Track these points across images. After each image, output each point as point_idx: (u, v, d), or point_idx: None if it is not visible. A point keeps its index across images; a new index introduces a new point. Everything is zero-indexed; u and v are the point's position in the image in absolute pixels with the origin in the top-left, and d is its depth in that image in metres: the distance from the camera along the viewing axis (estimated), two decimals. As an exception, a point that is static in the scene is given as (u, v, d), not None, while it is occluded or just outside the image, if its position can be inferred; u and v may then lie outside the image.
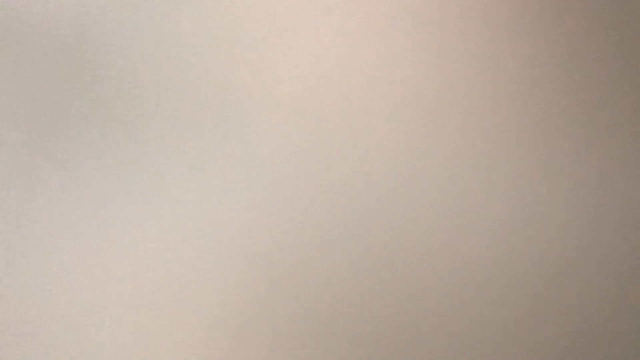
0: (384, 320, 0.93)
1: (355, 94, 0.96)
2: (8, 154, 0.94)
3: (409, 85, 0.97)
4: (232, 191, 0.95)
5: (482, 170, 0.96)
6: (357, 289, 0.94)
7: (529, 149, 0.96)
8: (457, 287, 0.94)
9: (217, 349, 0.93)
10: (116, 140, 0.95)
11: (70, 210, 0.94)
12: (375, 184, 0.95)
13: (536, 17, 0.98)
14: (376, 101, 0.96)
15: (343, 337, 0.93)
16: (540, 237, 0.95)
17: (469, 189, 0.95)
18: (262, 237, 0.94)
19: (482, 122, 0.96)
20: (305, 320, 0.93)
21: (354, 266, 0.94)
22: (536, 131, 0.96)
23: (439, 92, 0.97)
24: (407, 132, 0.96)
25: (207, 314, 0.93)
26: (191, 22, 0.97)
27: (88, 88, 0.96)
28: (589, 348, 0.93)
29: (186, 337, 0.93)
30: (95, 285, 0.93)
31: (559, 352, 0.93)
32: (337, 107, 0.96)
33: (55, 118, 0.95)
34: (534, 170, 0.96)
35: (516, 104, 0.97)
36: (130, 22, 0.97)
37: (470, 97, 0.97)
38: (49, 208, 0.94)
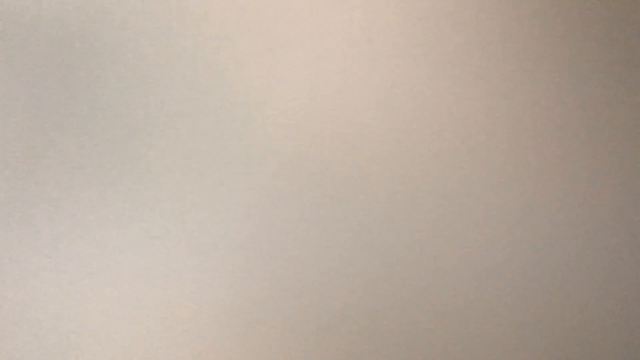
0: (383, 318, 0.94)
1: (356, 95, 0.97)
2: (8, 153, 0.95)
3: (409, 87, 0.97)
4: (232, 191, 0.95)
5: (482, 170, 0.96)
6: (357, 289, 0.94)
7: (529, 149, 0.96)
8: (457, 287, 0.94)
9: (216, 349, 0.93)
10: (116, 140, 0.96)
11: (70, 209, 0.94)
12: (375, 184, 0.95)
13: (536, 17, 0.98)
14: (376, 102, 0.97)
15: (342, 336, 0.93)
16: (540, 237, 0.95)
17: (468, 189, 0.96)
18: (261, 238, 0.95)
19: (482, 122, 0.97)
20: (304, 320, 0.93)
21: (353, 266, 0.94)
22: (536, 132, 0.97)
23: (439, 93, 0.97)
24: (406, 132, 0.96)
25: (206, 314, 0.93)
26: (192, 23, 0.98)
27: (89, 88, 0.96)
28: (590, 349, 0.93)
29: (185, 337, 0.93)
30: (94, 284, 0.94)
31: (560, 352, 0.93)
32: (337, 109, 0.97)
33: (55, 117, 0.96)
34: (533, 170, 0.96)
35: (516, 105, 0.97)
36: (132, 22, 0.98)
37: (469, 98, 0.97)
38: (49, 207, 0.94)
